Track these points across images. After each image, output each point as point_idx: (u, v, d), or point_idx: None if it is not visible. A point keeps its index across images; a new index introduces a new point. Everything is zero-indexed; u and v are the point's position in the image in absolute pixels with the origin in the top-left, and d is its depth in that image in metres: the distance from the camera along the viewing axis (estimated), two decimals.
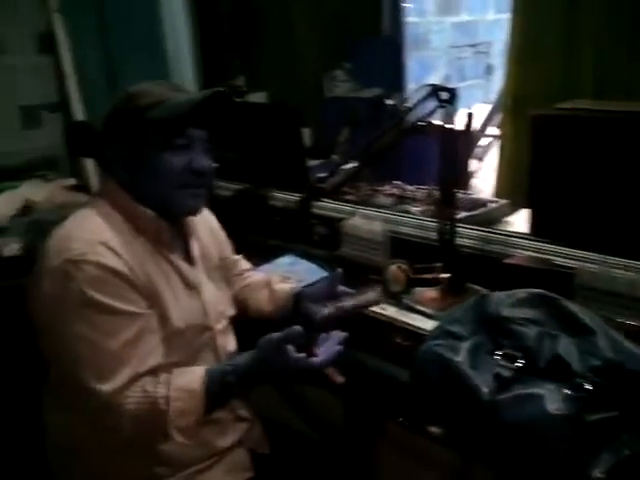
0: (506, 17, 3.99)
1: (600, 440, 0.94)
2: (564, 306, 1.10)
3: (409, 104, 1.44)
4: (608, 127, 1.48)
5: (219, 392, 1.06)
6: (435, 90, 1.42)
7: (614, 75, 2.46)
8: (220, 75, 2.55)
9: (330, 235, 1.86)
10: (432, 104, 1.45)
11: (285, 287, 1.41)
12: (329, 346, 1.09)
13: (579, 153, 1.50)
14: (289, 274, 1.70)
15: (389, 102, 3.07)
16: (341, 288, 1.32)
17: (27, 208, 2.06)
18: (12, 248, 1.89)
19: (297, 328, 1.04)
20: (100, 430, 1.07)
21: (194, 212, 1.19)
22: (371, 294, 1.31)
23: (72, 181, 2.29)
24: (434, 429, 1.15)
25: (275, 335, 1.04)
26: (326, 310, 1.22)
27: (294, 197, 1.90)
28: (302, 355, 1.04)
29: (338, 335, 1.11)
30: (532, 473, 0.98)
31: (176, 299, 1.14)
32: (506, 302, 1.15)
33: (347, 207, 1.87)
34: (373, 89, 3.26)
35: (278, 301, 1.39)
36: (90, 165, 2.39)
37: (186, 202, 1.14)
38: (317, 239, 1.89)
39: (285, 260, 1.80)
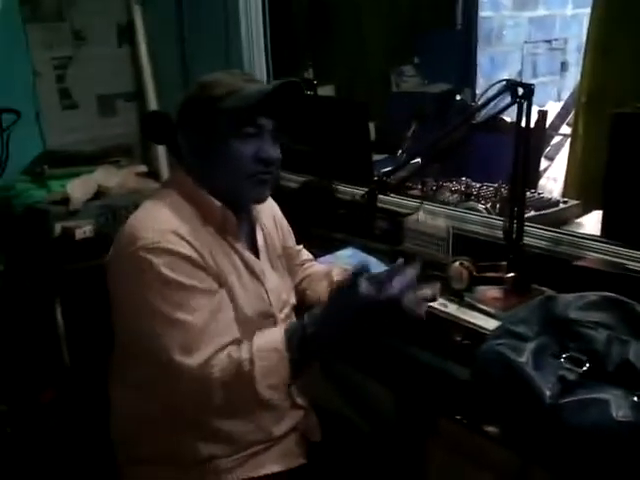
0: (585, 12, 3.87)
1: None
2: (635, 310, 1.06)
3: (482, 99, 1.41)
4: None
5: (302, 346, 1.04)
6: (510, 86, 1.38)
7: None
8: (290, 67, 2.57)
9: (393, 230, 1.85)
10: (506, 100, 1.42)
11: (345, 277, 1.42)
12: (401, 278, 1.04)
13: None
14: (349, 266, 1.71)
15: (458, 98, 3.02)
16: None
17: (100, 193, 2.15)
18: (85, 231, 1.97)
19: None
20: (170, 405, 1.10)
21: (260, 200, 1.22)
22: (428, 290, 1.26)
23: (144, 168, 2.37)
24: (491, 428, 1.13)
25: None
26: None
27: (359, 190, 1.90)
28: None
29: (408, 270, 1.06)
30: (593, 479, 0.96)
31: (243, 286, 1.17)
32: (574, 304, 1.12)
33: (411, 202, 1.85)
34: (441, 84, 3.21)
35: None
36: (161, 153, 2.47)
37: (253, 190, 1.17)
38: (379, 233, 1.88)
39: (346, 252, 1.80)
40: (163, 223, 1.08)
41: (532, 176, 2.55)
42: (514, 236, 1.49)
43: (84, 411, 1.33)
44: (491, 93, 1.45)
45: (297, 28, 2.87)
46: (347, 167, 2.10)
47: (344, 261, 1.75)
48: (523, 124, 1.42)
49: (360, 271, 1.04)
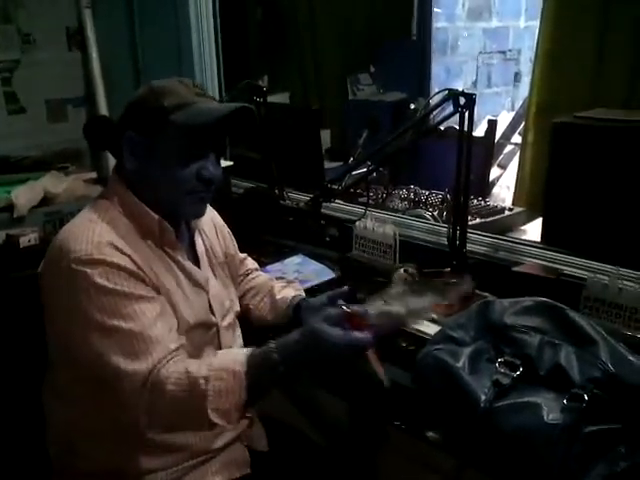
0: (537, 24, 3.97)
1: (596, 452, 0.93)
2: (568, 315, 1.09)
3: (426, 108, 1.44)
4: (626, 137, 1.46)
5: (263, 373, 1.01)
6: (453, 95, 1.41)
7: None
8: (244, 75, 2.57)
9: (341, 237, 1.86)
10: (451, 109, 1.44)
11: (287, 295, 1.41)
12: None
13: (596, 162, 1.48)
14: (297, 274, 1.71)
15: (412, 107, 3.06)
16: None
17: (47, 200, 2.10)
18: (30, 238, 1.93)
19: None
20: (113, 418, 1.07)
21: (198, 216, 1.21)
22: (420, 302, 1.21)
23: (93, 175, 2.33)
24: (432, 434, 1.14)
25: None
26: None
27: (307, 197, 1.91)
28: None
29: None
30: None
31: (184, 297, 1.15)
32: (510, 309, 1.14)
33: (360, 209, 1.86)
34: (396, 93, 3.25)
35: (279, 310, 1.40)
36: (111, 159, 2.42)
37: (192, 207, 1.15)
38: (328, 240, 1.89)
39: (295, 260, 1.80)
40: (97, 235, 1.05)
41: (481, 184, 2.61)
42: (457, 243, 1.52)
43: (18, 423, 1.29)
44: (435, 102, 1.47)
45: (252, 36, 2.87)
46: (299, 174, 2.10)
47: (293, 269, 1.76)
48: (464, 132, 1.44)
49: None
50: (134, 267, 1.06)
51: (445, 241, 1.58)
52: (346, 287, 1.31)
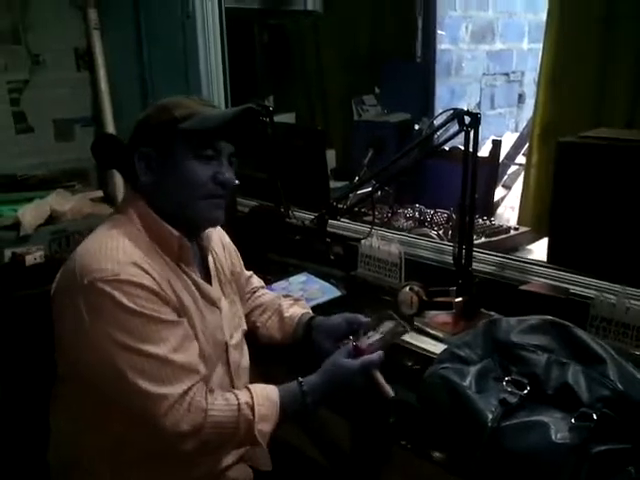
0: (540, 46, 4.00)
1: (605, 472, 0.92)
2: (575, 334, 1.08)
3: (431, 127, 1.44)
4: (631, 156, 1.47)
5: (293, 403, 1.13)
6: (458, 114, 1.42)
7: None
8: (250, 95, 2.60)
9: (347, 255, 1.86)
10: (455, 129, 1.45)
11: (296, 314, 1.42)
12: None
13: (601, 181, 1.48)
14: (302, 292, 1.71)
15: (416, 127, 3.08)
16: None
17: (53, 218, 2.11)
18: (35, 257, 1.93)
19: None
20: (125, 440, 1.09)
21: (215, 223, 1.21)
22: (390, 324, 1.29)
23: (99, 193, 2.35)
24: (437, 454, 1.12)
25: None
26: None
27: (313, 216, 1.91)
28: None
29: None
30: None
31: (201, 316, 1.16)
32: (516, 328, 1.14)
33: (365, 227, 1.86)
34: (401, 114, 3.28)
35: (288, 328, 1.41)
36: (117, 178, 2.45)
37: (209, 212, 1.16)
38: (333, 259, 1.89)
39: (300, 278, 1.80)
40: (123, 254, 1.05)
41: (486, 204, 2.61)
42: (463, 261, 1.51)
43: (19, 439, 1.28)
44: (440, 121, 1.48)
45: (258, 57, 2.90)
46: (305, 193, 2.11)
47: (298, 287, 1.75)
48: (470, 152, 1.45)
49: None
50: (158, 288, 1.06)
51: (451, 260, 1.57)
52: (367, 318, 1.34)
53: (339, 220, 1.51)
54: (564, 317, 1.15)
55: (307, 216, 2.02)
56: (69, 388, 1.13)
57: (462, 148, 1.67)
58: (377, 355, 1.18)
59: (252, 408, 1.08)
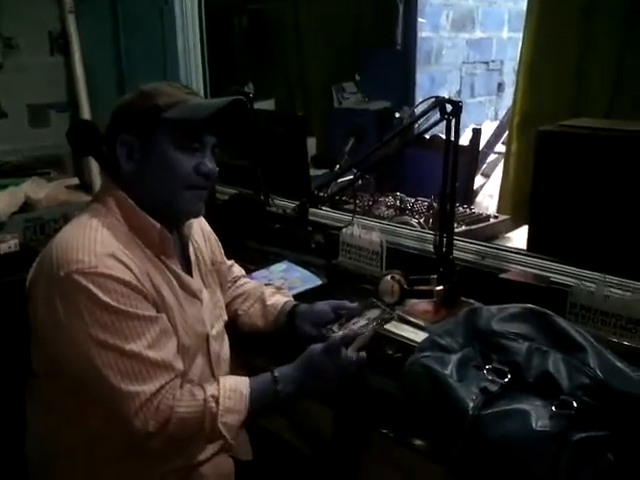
0: (519, 36, 4.02)
1: (585, 459, 0.93)
2: (555, 322, 1.09)
3: (412, 116, 1.44)
4: (609, 145, 1.48)
5: (264, 396, 1.12)
6: (439, 103, 1.41)
7: (625, 94, 2.46)
8: (228, 81, 2.56)
9: (328, 244, 1.85)
10: (437, 117, 1.45)
11: (279, 302, 1.41)
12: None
13: (581, 170, 1.49)
14: (283, 281, 1.70)
15: (397, 115, 3.08)
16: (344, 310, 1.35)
17: (28, 206, 2.07)
18: (9, 244, 1.89)
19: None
20: (100, 435, 1.07)
21: (197, 214, 1.19)
22: (376, 311, 1.29)
23: (75, 180, 2.31)
24: (419, 442, 1.13)
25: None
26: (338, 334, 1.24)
27: (293, 204, 1.90)
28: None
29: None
30: None
31: (182, 309, 1.14)
32: (497, 316, 1.14)
33: (347, 216, 1.85)
34: (381, 102, 3.26)
35: (271, 316, 1.40)
36: (94, 165, 2.41)
37: (191, 203, 1.14)
38: (314, 247, 1.88)
39: (280, 267, 1.79)
40: (99, 245, 1.03)
41: (466, 192, 2.62)
42: (444, 250, 1.51)
43: None
44: (422, 109, 1.47)
45: (238, 43, 2.86)
46: (285, 181, 2.09)
47: (278, 275, 1.74)
48: (450, 140, 1.45)
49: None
50: (137, 282, 1.04)
51: (431, 248, 1.57)
52: (356, 304, 1.34)
53: (320, 208, 1.49)
54: (544, 305, 1.15)
55: (288, 204, 2.00)
56: (44, 382, 1.11)
57: (442, 136, 1.67)
58: (339, 336, 1.19)
59: (217, 401, 1.06)
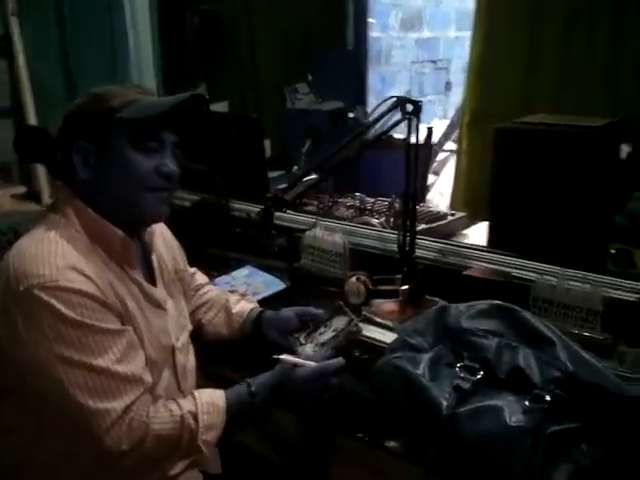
0: (467, 35, 4.09)
1: (560, 451, 0.94)
2: (523, 317, 1.10)
3: (373, 116, 1.43)
4: (565, 141, 1.52)
5: (241, 409, 1.09)
6: (401, 102, 1.41)
7: (571, 92, 2.54)
8: (182, 83, 2.51)
9: (290, 247, 1.83)
10: (395, 117, 1.45)
11: (244, 309, 1.39)
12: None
13: (538, 166, 1.53)
14: (246, 286, 1.67)
15: (351, 115, 3.09)
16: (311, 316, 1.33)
17: None
18: None
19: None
20: (67, 452, 1.03)
21: (161, 218, 1.15)
22: (342, 321, 1.27)
23: (22, 189, 2.21)
24: (393, 443, 1.12)
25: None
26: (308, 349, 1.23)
27: (254, 208, 1.88)
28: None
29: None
30: None
31: (147, 321, 1.10)
32: (466, 313, 1.15)
33: (308, 218, 1.84)
34: (334, 102, 3.27)
35: (236, 324, 1.38)
36: (42, 173, 2.32)
37: (154, 206, 1.10)
38: (276, 251, 1.86)
39: (243, 272, 1.77)
40: (61, 258, 0.98)
41: (421, 191, 2.65)
42: (407, 249, 1.52)
43: None
44: (381, 110, 1.47)
45: (189, 43, 2.81)
46: (242, 184, 2.06)
47: (241, 281, 1.72)
48: (412, 140, 1.46)
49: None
50: (100, 294, 1.00)
51: (394, 248, 1.58)
52: (319, 311, 1.32)
53: (285, 212, 1.48)
54: (507, 300, 1.16)
55: (249, 208, 1.98)
56: (6, 398, 1.06)
57: (396, 136, 1.67)
58: (336, 362, 1.15)
59: (196, 417, 1.04)
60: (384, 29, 3.87)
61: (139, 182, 1.06)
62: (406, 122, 1.46)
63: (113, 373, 0.98)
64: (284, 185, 2.36)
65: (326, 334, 1.25)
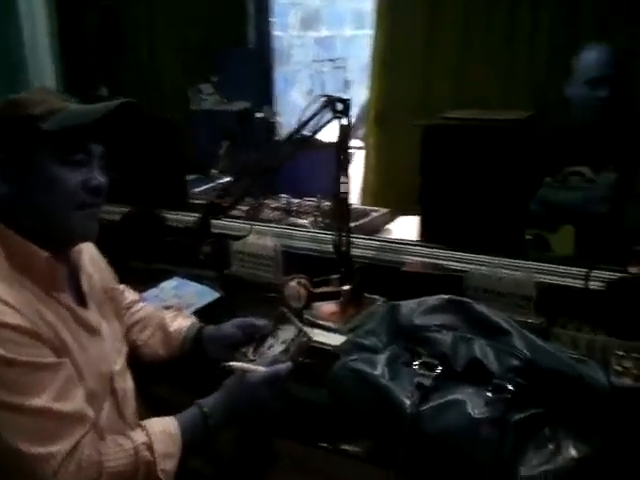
0: (362, 33, 4.17)
1: (525, 438, 0.96)
2: (474, 309, 1.12)
3: (303, 117, 1.41)
4: (483, 134, 1.57)
5: (196, 433, 1.03)
6: (331, 102, 1.40)
7: (471, 88, 2.65)
8: (82, 85, 2.35)
9: (218, 254, 1.76)
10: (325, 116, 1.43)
11: (182, 326, 1.31)
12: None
13: (462, 160, 1.57)
14: (177, 299, 1.59)
15: (260, 115, 3.05)
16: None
17: None
18: None
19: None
20: None
21: (93, 236, 1.06)
22: (290, 332, 1.20)
23: None
24: (356, 449, 1.10)
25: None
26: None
27: (175, 215, 1.80)
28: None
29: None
30: None
31: (83, 349, 1.01)
32: (417, 310, 1.15)
33: (234, 223, 1.79)
34: (240, 102, 3.21)
35: (175, 343, 1.29)
36: None
37: (85, 225, 1.01)
38: (203, 259, 1.78)
39: (171, 284, 1.68)
40: None
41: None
42: (343, 249, 1.51)
43: None
44: (312, 109, 1.45)
45: (90, 46, 2.64)
46: (160, 191, 1.96)
47: (170, 293, 1.64)
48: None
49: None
50: (30, 325, 0.90)
51: (328, 248, 1.57)
52: (263, 322, 1.25)
53: (221, 219, 1.42)
54: (444, 292, 1.18)
55: (178, 217, 1.88)
56: None
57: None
58: (285, 366, 1.11)
59: (150, 448, 0.97)
60: (284, 28, 3.86)
61: (67, 199, 0.97)
62: (335, 120, 1.45)
63: (53, 412, 0.89)
64: (202, 189, 2.30)
65: (275, 347, 1.19)
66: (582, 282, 1.38)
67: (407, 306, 1.18)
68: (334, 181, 1.50)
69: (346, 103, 1.44)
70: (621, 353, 1.23)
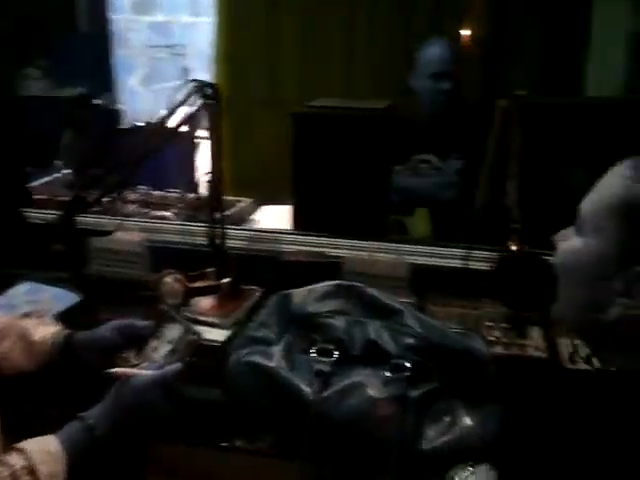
0: (200, 21, 4.05)
1: (425, 414, 1.00)
2: (364, 292, 1.13)
3: (173, 104, 1.33)
4: (348, 123, 1.60)
5: (82, 448, 0.94)
6: (200, 87, 1.34)
7: (317, 75, 2.72)
8: None
9: (72, 252, 1.60)
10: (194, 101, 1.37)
11: (47, 335, 1.17)
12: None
13: (330, 148, 1.59)
14: (32, 305, 1.43)
15: (99, 102, 2.84)
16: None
17: None
18: None
19: None
20: None
21: None
22: (175, 330, 1.11)
23: None
24: (260, 444, 1.07)
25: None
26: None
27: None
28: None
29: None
30: (369, 464, 0.99)
31: None
32: (309, 297, 1.14)
33: (90, 218, 1.64)
34: (75, 88, 2.95)
35: (40, 354, 1.15)
36: None
37: None
38: (55, 259, 1.61)
39: (22, 289, 1.50)
40: None
41: (191, 179, 2.58)
42: (218, 241, 1.46)
43: None
44: (183, 95, 1.38)
45: None
46: None
47: (23, 299, 1.46)
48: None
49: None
50: None
51: (200, 240, 1.50)
52: (144, 323, 1.15)
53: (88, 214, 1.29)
54: (326, 278, 1.18)
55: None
56: None
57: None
58: (174, 367, 1.03)
59: (32, 471, 0.87)
60: (119, 11, 3.61)
61: None
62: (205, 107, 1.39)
63: None
64: (43, 181, 2.09)
65: (161, 349, 1.10)
66: (459, 262, 1.44)
67: (298, 294, 1.16)
68: (191, 172, 1.45)
69: (216, 88, 1.38)
70: (490, 324, 1.34)
